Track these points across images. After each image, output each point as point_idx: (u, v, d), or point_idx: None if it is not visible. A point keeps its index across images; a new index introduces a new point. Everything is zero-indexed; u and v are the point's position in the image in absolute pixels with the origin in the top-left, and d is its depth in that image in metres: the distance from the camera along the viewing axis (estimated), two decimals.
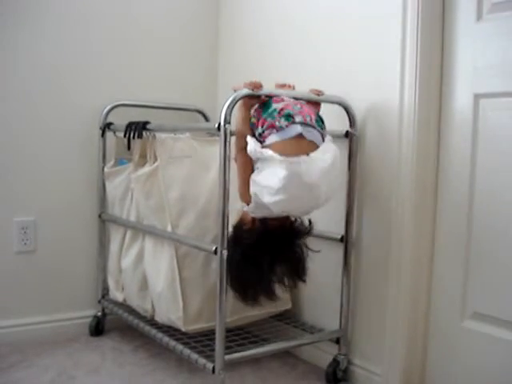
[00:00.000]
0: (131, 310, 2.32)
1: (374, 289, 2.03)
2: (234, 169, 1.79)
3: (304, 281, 1.80)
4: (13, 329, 2.38)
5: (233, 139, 1.78)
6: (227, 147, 1.73)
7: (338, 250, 2.06)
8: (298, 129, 1.67)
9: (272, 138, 1.68)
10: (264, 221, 1.73)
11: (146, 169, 2.17)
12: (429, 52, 1.88)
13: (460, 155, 1.86)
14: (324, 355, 2.17)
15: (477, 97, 1.81)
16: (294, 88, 1.94)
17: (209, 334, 1.99)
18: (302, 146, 1.67)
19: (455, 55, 1.87)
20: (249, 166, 1.73)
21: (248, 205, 1.71)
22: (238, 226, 1.78)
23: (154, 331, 2.13)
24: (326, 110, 1.98)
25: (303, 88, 1.97)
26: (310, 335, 2.17)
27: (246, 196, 1.71)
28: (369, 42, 2.02)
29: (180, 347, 1.97)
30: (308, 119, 1.70)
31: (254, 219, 1.74)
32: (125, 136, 2.23)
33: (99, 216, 2.50)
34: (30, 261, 2.43)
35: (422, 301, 1.96)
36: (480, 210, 1.82)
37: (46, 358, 2.25)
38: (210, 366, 1.81)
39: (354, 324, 2.11)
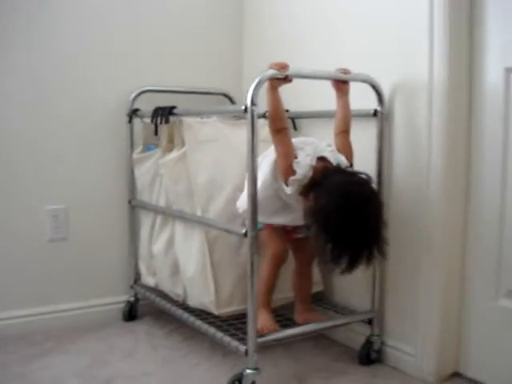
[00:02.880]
0: (163, 295, 2.34)
1: (406, 268, 2.01)
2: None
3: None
4: (47, 315, 2.42)
5: (260, 121, 1.79)
6: (254, 129, 1.71)
7: None
8: None
9: None
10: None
11: (174, 154, 2.17)
12: (457, 26, 1.84)
13: (492, 130, 1.82)
14: (357, 336, 2.16)
15: (508, 71, 1.77)
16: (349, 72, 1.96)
17: (241, 317, 1.99)
18: None
19: (485, 29, 1.82)
20: (289, 142, 1.81)
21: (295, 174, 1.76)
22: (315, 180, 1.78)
23: (186, 315, 2.14)
24: (353, 89, 1.96)
25: (330, 67, 1.95)
26: (342, 317, 2.16)
27: (291, 169, 1.77)
28: (396, 18, 1.98)
29: (212, 330, 1.98)
30: None
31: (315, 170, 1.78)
32: (152, 122, 2.23)
33: (129, 202, 2.51)
34: (62, 248, 2.46)
35: (456, 279, 1.94)
36: None
37: (79, 344, 2.28)
38: (242, 348, 1.81)
39: (386, 305, 2.09)
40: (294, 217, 1.93)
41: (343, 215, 1.67)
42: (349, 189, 1.71)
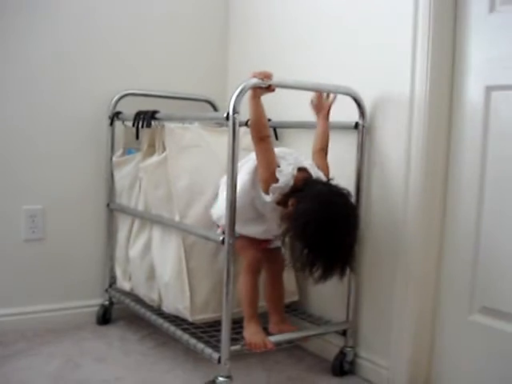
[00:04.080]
0: (138, 300, 2.32)
1: (381, 281, 2.02)
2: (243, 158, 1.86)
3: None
4: (20, 316, 2.39)
5: (242, 129, 1.80)
6: (236, 137, 1.72)
7: None
8: None
9: None
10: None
11: (155, 158, 2.16)
12: (441, 43, 1.86)
13: (471, 147, 1.84)
14: (331, 347, 2.16)
15: (488, 89, 1.79)
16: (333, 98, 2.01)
17: (215, 325, 1.99)
18: None
19: (467, 47, 1.85)
20: (272, 151, 1.81)
21: (277, 181, 1.76)
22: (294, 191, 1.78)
23: (160, 321, 2.13)
24: (335, 101, 1.98)
25: (313, 79, 1.96)
26: (317, 327, 2.16)
27: (273, 176, 1.76)
28: (380, 32, 2.00)
29: (186, 337, 1.97)
30: None
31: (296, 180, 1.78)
32: (133, 125, 2.23)
33: (107, 205, 2.50)
34: (38, 249, 2.44)
35: (430, 294, 1.95)
36: (490, 203, 1.80)
37: (52, 346, 2.25)
38: (215, 356, 1.81)
39: (360, 316, 2.10)
40: (265, 230, 1.94)
41: (323, 223, 1.68)
42: (331, 198, 1.72)
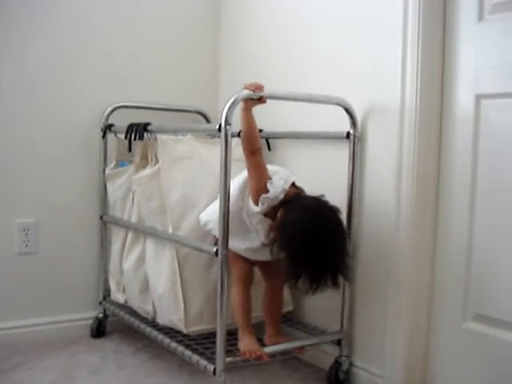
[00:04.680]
0: (132, 312, 2.32)
1: (375, 290, 2.03)
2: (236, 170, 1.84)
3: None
4: (14, 330, 2.38)
5: (235, 140, 1.80)
6: (228, 148, 1.72)
7: None
8: None
9: None
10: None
11: (148, 171, 2.16)
12: (430, 53, 1.87)
13: (461, 156, 1.85)
14: (326, 357, 2.16)
15: (478, 97, 1.80)
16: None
17: (210, 336, 1.98)
18: None
19: (456, 56, 1.86)
20: (263, 163, 1.81)
21: (267, 192, 1.77)
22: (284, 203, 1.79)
23: (155, 333, 2.13)
24: (326, 111, 1.99)
25: (305, 89, 1.97)
26: (312, 337, 2.16)
27: (264, 188, 1.77)
28: (370, 42, 2.01)
29: (181, 349, 1.97)
30: None
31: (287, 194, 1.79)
32: (126, 137, 2.23)
33: (100, 217, 2.49)
34: (31, 262, 2.43)
35: (424, 302, 1.96)
36: (482, 211, 1.81)
37: (46, 360, 2.24)
38: (210, 367, 1.81)
39: (355, 326, 2.10)
40: (246, 248, 1.94)
41: (310, 233, 1.68)
42: (319, 211, 1.74)
